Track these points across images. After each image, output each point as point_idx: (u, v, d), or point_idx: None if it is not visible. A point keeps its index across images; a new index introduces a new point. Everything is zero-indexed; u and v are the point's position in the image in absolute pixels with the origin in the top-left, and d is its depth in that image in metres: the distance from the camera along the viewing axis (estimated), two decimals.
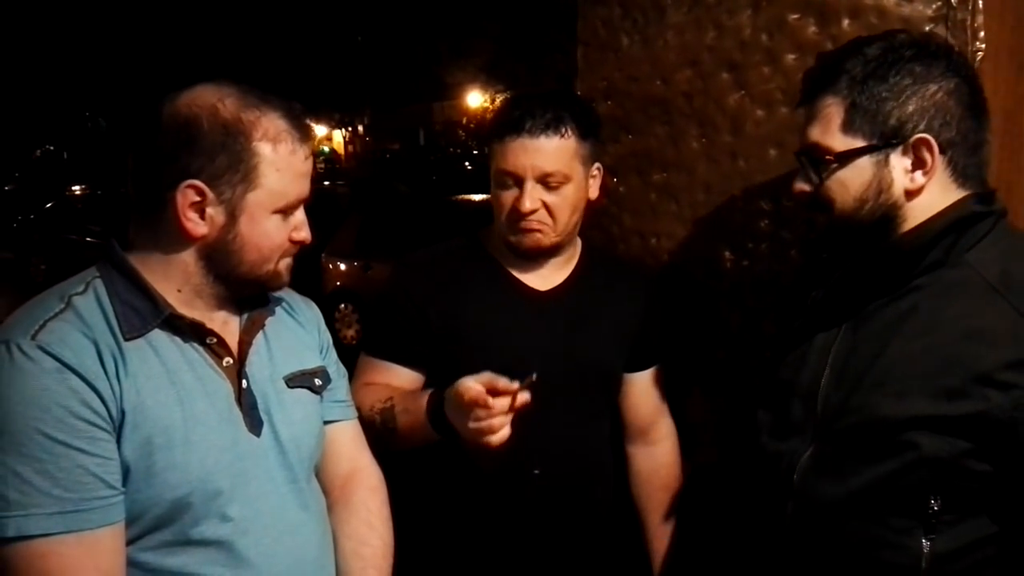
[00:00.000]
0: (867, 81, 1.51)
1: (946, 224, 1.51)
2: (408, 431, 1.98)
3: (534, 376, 1.74)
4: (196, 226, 1.50)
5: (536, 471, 2.05)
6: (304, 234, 1.62)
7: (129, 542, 1.45)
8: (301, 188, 1.58)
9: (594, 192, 2.10)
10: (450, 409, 1.84)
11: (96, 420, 1.40)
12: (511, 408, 1.74)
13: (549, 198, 1.98)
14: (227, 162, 1.48)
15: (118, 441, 1.42)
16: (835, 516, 1.56)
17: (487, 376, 1.76)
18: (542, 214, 1.99)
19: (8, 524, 1.34)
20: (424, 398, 1.95)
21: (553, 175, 1.96)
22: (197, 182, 1.47)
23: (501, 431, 1.74)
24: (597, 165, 2.09)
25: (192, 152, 1.47)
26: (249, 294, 1.65)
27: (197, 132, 1.47)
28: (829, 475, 1.57)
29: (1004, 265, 1.47)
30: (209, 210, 1.50)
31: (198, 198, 1.48)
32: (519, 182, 1.97)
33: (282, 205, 1.55)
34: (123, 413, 1.43)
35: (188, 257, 1.54)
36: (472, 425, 1.76)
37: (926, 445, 1.44)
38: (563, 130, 1.96)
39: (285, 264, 1.63)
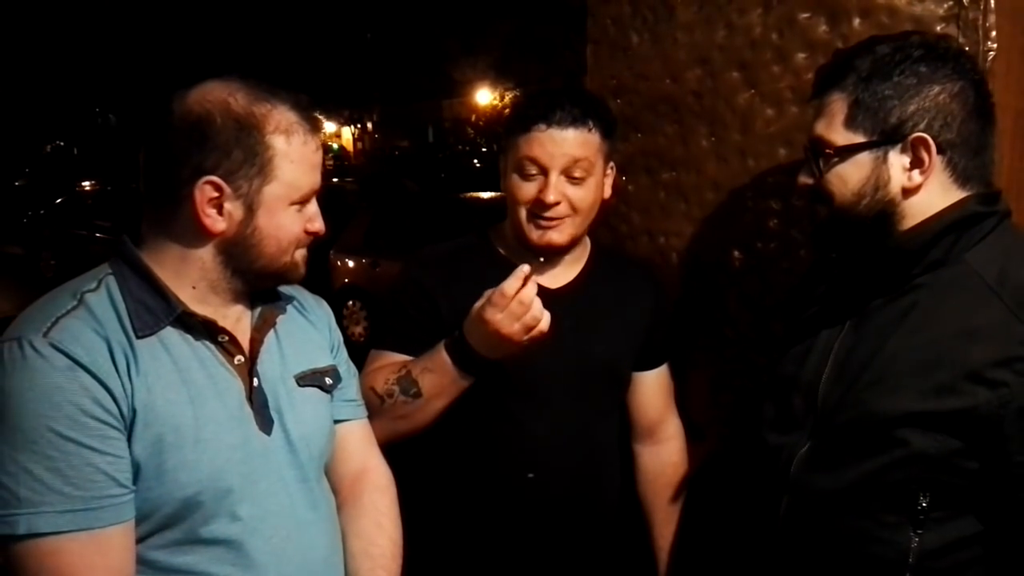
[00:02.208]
0: (872, 78, 1.53)
1: (947, 223, 1.52)
2: (434, 389, 1.97)
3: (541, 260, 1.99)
4: (215, 222, 1.50)
5: (530, 475, 2.05)
6: (318, 225, 1.62)
7: (139, 540, 1.45)
8: (314, 179, 1.59)
9: (608, 191, 2.11)
10: (482, 332, 1.90)
11: (107, 418, 1.40)
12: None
13: (572, 192, 1.99)
14: (242, 156, 1.48)
15: (129, 439, 1.42)
16: (827, 510, 1.59)
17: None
18: (563, 207, 1.99)
19: (19, 521, 1.34)
20: (439, 350, 1.97)
21: (580, 162, 1.97)
22: (214, 178, 1.48)
23: (544, 315, 1.87)
24: (611, 165, 2.10)
25: (207, 148, 1.47)
26: (267, 287, 1.66)
27: (211, 128, 1.47)
28: (823, 469, 1.59)
29: (1003, 265, 1.49)
30: (227, 205, 1.50)
31: (216, 194, 1.49)
32: (544, 172, 1.98)
33: (298, 197, 1.56)
34: (134, 411, 1.43)
35: (205, 254, 1.54)
36: (517, 326, 1.86)
37: (916, 442, 1.46)
38: (589, 124, 1.98)
39: (301, 255, 1.63)
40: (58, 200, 16.90)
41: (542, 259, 2.07)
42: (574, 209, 2.00)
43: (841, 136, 1.56)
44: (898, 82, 1.52)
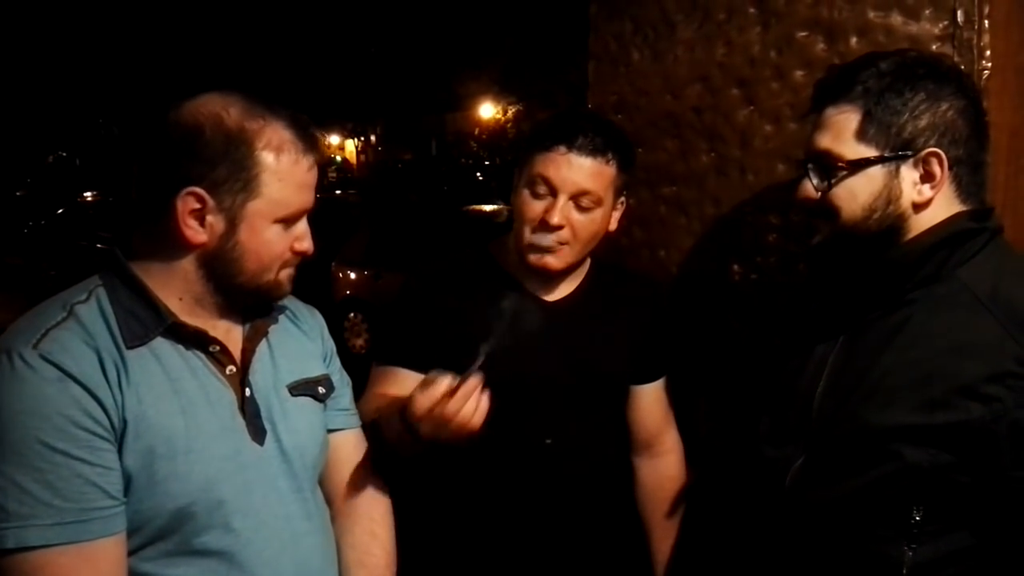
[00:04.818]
0: (883, 93, 1.53)
1: (939, 239, 1.53)
2: (395, 444, 1.86)
3: (482, 357, 1.67)
4: (196, 233, 1.50)
5: (548, 440, 2.05)
6: (306, 245, 1.61)
7: (131, 552, 1.44)
8: (304, 198, 1.57)
9: (614, 224, 2.11)
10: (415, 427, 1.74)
11: (97, 429, 1.39)
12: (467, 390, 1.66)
13: (576, 218, 1.99)
14: (228, 170, 1.47)
15: (120, 450, 1.42)
16: (821, 523, 1.59)
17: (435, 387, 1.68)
18: (565, 232, 2.00)
19: (7, 535, 1.33)
20: (396, 413, 1.81)
21: (589, 193, 1.97)
22: (197, 189, 1.47)
23: (476, 414, 1.66)
24: (622, 199, 2.11)
25: (194, 159, 1.47)
26: (250, 304, 1.64)
27: (200, 139, 1.47)
28: (818, 482, 1.60)
29: (994, 281, 1.50)
30: (209, 218, 1.49)
31: (198, 205, 1.48)
32: (553, 193, 1.98)
33: (283, 215, 1.54)
34: (125, 422, 1.42)
35: (188, 265, 1.54)
36: (452, 426, 1.66)
37: (909, 455, 1.47)
38: (608, 156, 1.99)
39: (286, 274, 1.62)
40: (60, 211, 16.89)
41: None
42: (575, 236, 2.01)
43: (851, 149, 1.56)
44: (909, 97, 1.52)
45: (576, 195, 1.98)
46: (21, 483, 1.34)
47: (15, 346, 1.40)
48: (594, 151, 1.97)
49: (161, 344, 1.51)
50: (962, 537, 1.49)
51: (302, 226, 1.60)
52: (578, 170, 1.97)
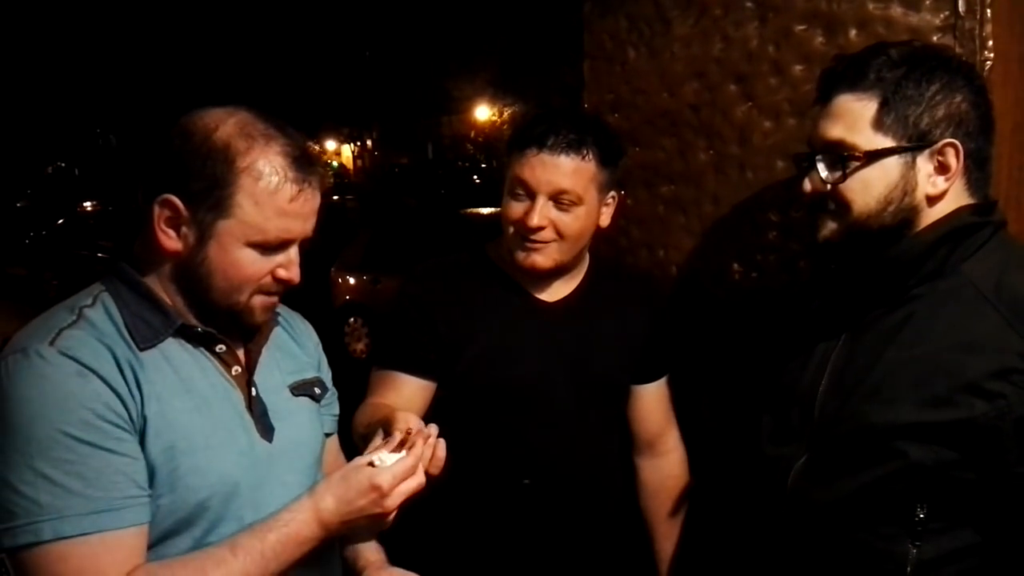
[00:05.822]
0: (900, 82, 1.51)
1: (941, 234, 1.51)
2: None
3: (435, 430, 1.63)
4: (169, 240, 1.49)
5: (526, 480, 2.04)
6: (288, 274, 1.56)
7: (151, 547, 1.45)
8: (286, 227, 1.52)
9: (605, 220, 2.10)
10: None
11: (118, 422, 1.40)
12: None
13: (558, 217, 1.98)
14: (204, 185, 1.46)
15: (141, 446, 1.43)
16: (824, 521, 1.58)
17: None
18: (548, 232, 1.99)
19: (43, 527, 1.34)
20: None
21: (567, 193, 1.96)
22: (172, 197, 1.47)
23: (432, 463, 1.59)
24: (612, 194, 2.09)
25: (177, 168, 1.47)
26: (226, 327, 1.60)
27: (186, 150, 1.47)
28: (821, 481, 1.59)
29: (999, 276, 1.47)
30: (183, 228, 1.49)
31: (171, 213, 1.48)
32: (531, 195, 1.98)
33: (257, 239, 1.50)
34: (144, 419, 1.43)
35: (166, 271, 1.54)
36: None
37: (913, 453, 1.46)
38: (584, 152, 1.96)
39: (260, 300, 1.57)
40: (60, 221, 16.98)
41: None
42: (560, 234, 1.99)
43: (867, 140, 1.52)
44: (926, 88, 1.50)
45: (554, 194, 1.96)
46: (52, 476, 1.35)
47: (30, 344, 1.41)
48: (567, 148, 1.95)
49: (170, 345, 1.52)
50: (966, 534, 1.48)
51: (289, 254, 1.56)
52: (553, 169, 1.95)
